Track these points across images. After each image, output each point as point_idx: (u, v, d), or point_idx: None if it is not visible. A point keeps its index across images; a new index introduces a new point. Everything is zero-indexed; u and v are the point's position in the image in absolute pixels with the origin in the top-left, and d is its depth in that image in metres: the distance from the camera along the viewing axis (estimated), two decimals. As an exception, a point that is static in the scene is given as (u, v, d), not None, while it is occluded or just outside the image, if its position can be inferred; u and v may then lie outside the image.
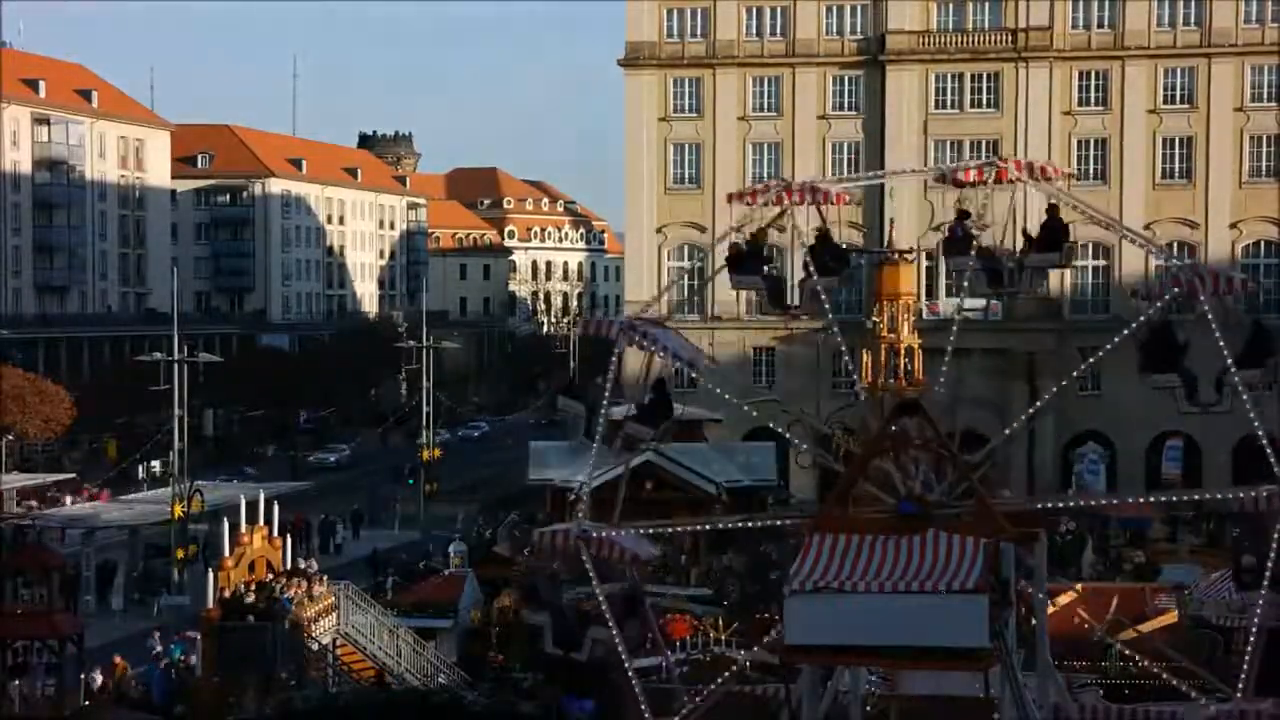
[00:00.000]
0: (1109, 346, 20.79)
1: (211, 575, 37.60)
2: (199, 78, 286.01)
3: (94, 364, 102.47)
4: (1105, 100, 72.43)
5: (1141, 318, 19.85)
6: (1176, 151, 72.28)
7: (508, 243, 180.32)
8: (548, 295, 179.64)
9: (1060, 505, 27.85)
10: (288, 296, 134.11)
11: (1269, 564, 19.38)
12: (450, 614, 42.64)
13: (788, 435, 23.55)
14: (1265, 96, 71.52)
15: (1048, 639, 21.01)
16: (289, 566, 39.90)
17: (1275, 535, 19.19)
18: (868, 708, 21.21)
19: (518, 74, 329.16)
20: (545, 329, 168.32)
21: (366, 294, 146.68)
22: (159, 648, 41.86)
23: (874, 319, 55.09)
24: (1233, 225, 71.75)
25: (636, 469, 31.05)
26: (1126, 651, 26.03)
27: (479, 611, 42.96)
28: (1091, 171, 71.50)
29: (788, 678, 20.94)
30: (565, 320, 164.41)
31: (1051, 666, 21.21)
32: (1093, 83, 72.65)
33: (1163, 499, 26.66)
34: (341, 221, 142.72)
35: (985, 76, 72.89)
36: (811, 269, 21.26)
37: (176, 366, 62.58)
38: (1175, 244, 69.46)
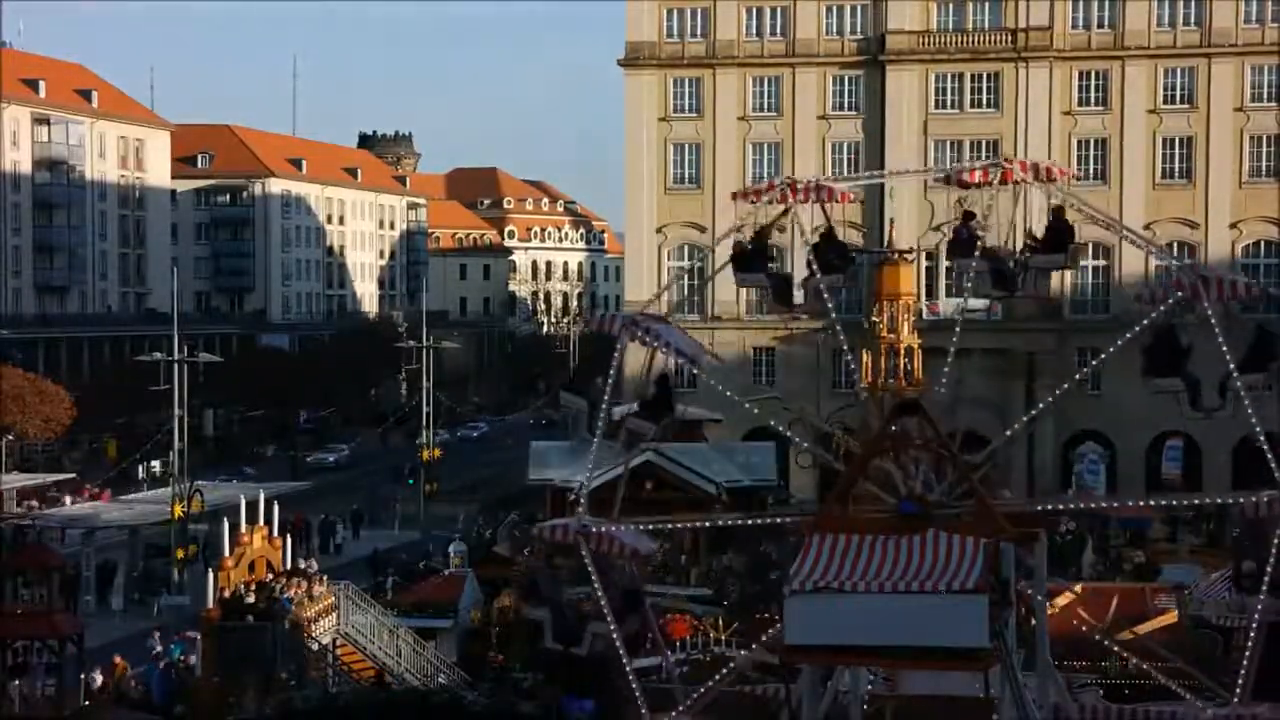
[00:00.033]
0: (1112, 350, 20.79)
1: (211, 575, 37.61)
2: (199, 78, 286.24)
3: (94, 364, 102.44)
4: (1105, 100, 72.42)
5: (1145, 321, 19.83)
6: (1176, 151, 72.26)
7: (508, 243, 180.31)
8: (548, 295, 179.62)
9: (1061, 507, 27.80)
10: (288, 296, 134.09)
11: (1269, 569, 19.38)
12: (450, 614, 42.63)
13: (788, 433, 23.56)
14: (1265, 96, 71.49)
15: (1048, 639, 21.02)
16: (289, 566, 39.90)
17: (1275, 541, 19.17)
18: (864, 706, 21.21)
19: (518, 74, 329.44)
20: (545, 329, 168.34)
21: (366, 294, 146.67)
22: (159, 648, 41.87)
23: (874, 319, 55.20)
24: (1233, 225, 71.73)
25: (636, 469, 31.07)
26: (1120, 652, 26.03)
27: (479, 611, 42.95)
28: (1091, 171, 71.48)
29: (788, 678, 20.95)
30: (565, 320, 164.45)
31: (1051, 666, 21.23)
32: (1093, 83, 72.63)
33: (1163, 503, 26.66)
34: (341, 221, 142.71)
35: (985, 76, 72.88)
36: (815, 267, 21.29)
37: (176, 366, 62.58)
38: (1175, 244, 69.48)
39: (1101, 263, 70.95)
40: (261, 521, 39.09)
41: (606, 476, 24.98)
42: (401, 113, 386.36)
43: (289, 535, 43.35)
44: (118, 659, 39.53)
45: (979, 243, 21.26)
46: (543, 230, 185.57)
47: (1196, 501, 27.58)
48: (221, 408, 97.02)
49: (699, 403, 40.17)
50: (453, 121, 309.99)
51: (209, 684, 35.85)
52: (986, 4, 73.34)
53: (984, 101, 72.94)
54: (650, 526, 21.39)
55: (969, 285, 21.67)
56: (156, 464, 78.80)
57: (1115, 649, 25.86)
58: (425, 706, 33.52)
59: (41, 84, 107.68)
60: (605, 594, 19.91)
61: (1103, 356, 21.28)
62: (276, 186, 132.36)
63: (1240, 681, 19.59)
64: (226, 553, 37.55)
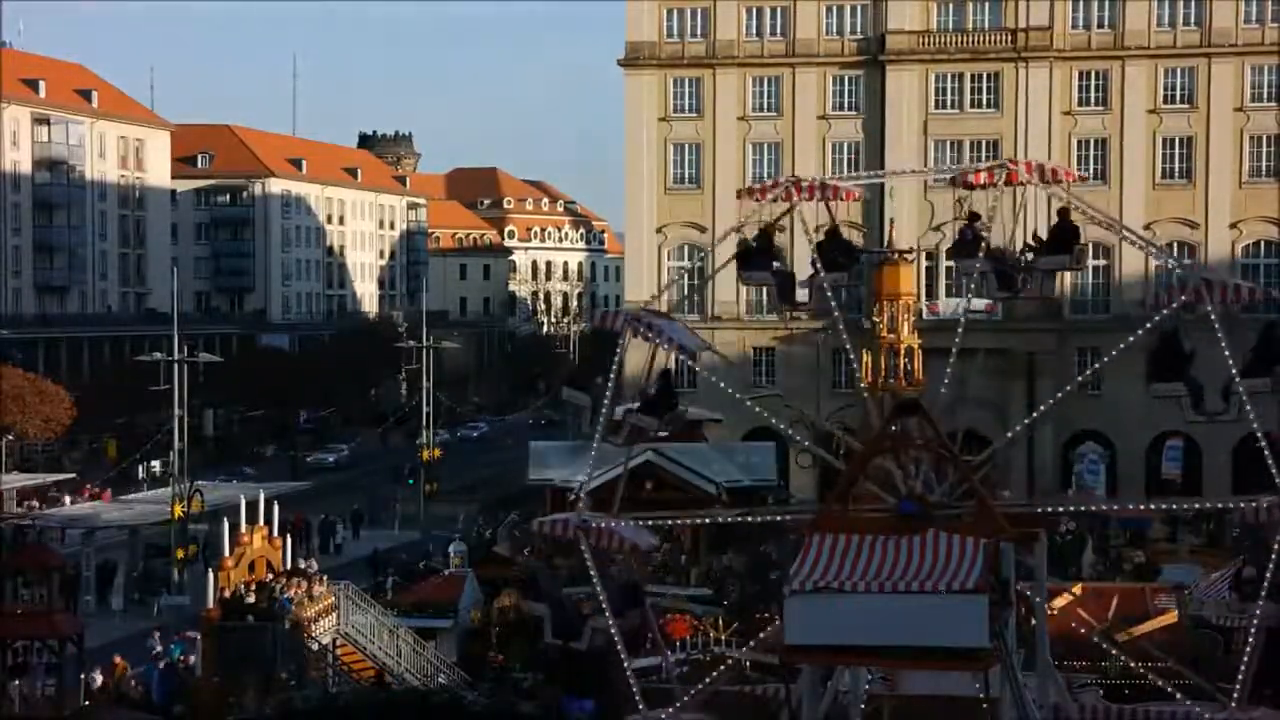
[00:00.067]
0: (1115, 353, 20.78)
1: (211, 575, 37.64)
2: (199, 78, 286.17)
3: (94, 364, 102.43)
4: (1105, 100, 72.39)
5: (1148, 325, 19.81)
6: (1176, 151, 72.23)
7: (508, 243, 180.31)
8: (548, 295, 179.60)
9: (1061, 510, 27.79)
10: (288, 296, 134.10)
11: (1268, 575, 19.37)
12: (450, 614, 42.62)
13: (789, 431, 23.58)
14: (1265, 96, 71.45)
15: (1048, 639, 21.02)
16: (289, 566, 39.93)
17: (1275, 546, 19.16)
18: (862, 705, 21.22)
19: (518, 74, 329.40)
20: (545, 329, 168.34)
21: (366, 294, 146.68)
22: (159, 648, 41.91)
23: (874, 319, 55.20)
24: (1233, 225, 71.69)
25: (636, 469, 31.08)
26: (1116, 654, 26.02)
27: (479, 611, 42.94)
28: (1091, 171, 71.36)
29: (788, 678, 20.96)
30: (565, 320, 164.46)
31: (1051, 666, 21.23)
32: (1093, 83, 72.61)
33: (1164, 507, 26.63)
34: (341, 221, 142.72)
35: (985, 76, 72.85)
36: (819, 265, 21.32)
37: (176, 366, 62.59)
38: (1175, 244, 69.45)
39: (1101, 263, 70.91)
40: (261, 521, 39.11)
41: (606, 476, 25.01)
42: (401, 113, 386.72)
43: (289, 535, 43.38)
44: (118, 659, 39.54)
45: (983, 244, 21.26)
46: (543, 230, 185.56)
47: (1197, 506, 27.51)
48: (221, 408, 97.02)
49: (699, 402, 40.13)
50: (453, 121, 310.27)
51: (209, 684, 35.87)
52: (986, 4, 73.31)
53: (984, 101, 72.92)
54: (650, 522, 21.41)
55: (973, 286, 21.64)
56: (156, 464, 78.82)
57: (1113, 651, 25.85)
58: (425, 706, 33.54)
59: (41, 84, 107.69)
60: (604, 589, 19.92)
61: (1105, 360, 21.29)
62: (276, 186, 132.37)
63: (1238, 685, 19.58)
64: (226, 553, 37.57)
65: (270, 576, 38.16)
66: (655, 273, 74.44)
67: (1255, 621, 20.02)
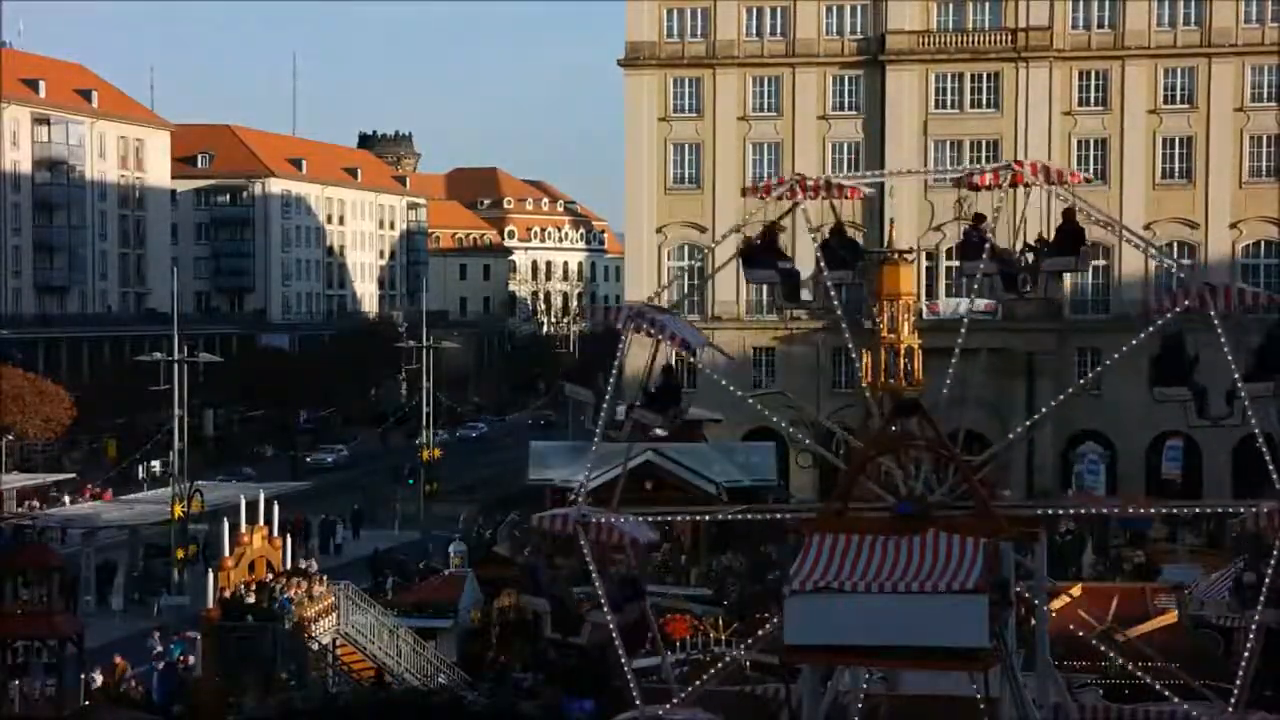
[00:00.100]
0: (1117, 355, 20.78)
1: (211, 575, 37.67)
2: (199, 78, 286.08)
3: (94, 364, 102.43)
4: (1105, 100, 72.39)
5: (1151, 328, 19.79)
6: (1176, 151, 72.22)
7: (508, 243, 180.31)
8: (548, 295, 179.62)
9: (1061, 511, 27.78)
10: (288, 296, 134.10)
11: (1267, 579, 19.35)
12: (450, 614, 42.64)
13: (790, 429, 23.58)
14: (1265, 96, 71.44)
15: (1048, 639, 21.01)
16: (289, 566, 39.95)
17: (1275, 549, 19.15)
18: (859, 705, 21.22)
19: (518, 74, 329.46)
20: (545, 329, 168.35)
21: (366, 294, 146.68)
22: (159, 648, 41.93)
23: (874, 319, 55.18)
24: (1233, 225, 71.68)
25: (635, 469, 31.08)
26: (1114, 655, 26.00)
27: (479, 611, 42.96)
28: (1091, 171, 71.35)
29: (788, 678, 20.96)
30: (565, 320, 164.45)
31: (1051, 666, 21.21)
32: (1093, 83, 72.60)
33: (1164, 510, 26.63)
34: (341, 221, 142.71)
35: (985, 76, 72.85)
36: (823, 263, 21.32)
37: (176, 366, 62.60)
38: (1175, 244, 69.48)
39: (1101, 263, 70.82)
40: (261, 521, 39.14)
41: (606, 476, 25.00)
42: (401, 113, 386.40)
43: (289, 535, 43.41)
44: (118, 659, 39.54)
45: (988, 244, 21.25)
46: (543, 230, 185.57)
47: (1197, 510, 27.47)
48: (221, 408, 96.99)
49: (700, 402, 40.11)
50: (453, 121, 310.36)
51: (209, 684, 35.89)
52: (986, 4, 73.30)
53: (984, 101, 72.91)
54: (650, 517, 21.40)
55: (977, 287, 21.64)
56: (156, 464, 78.81)
57: (1110, 653, 25.84)
58: (425, 706, 33.58)
59: (41, 84, 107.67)
60: (603, 584, 19.90)
61: (1108, 362, 21.28)
62: (276, 186, 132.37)
63: (1237, 688, 19.56)
64: (226, 553, 37.60)
65: (270, 576, 38.18)
66: (655, 273, 74.41)
67: (1255, 622, 19.99)
